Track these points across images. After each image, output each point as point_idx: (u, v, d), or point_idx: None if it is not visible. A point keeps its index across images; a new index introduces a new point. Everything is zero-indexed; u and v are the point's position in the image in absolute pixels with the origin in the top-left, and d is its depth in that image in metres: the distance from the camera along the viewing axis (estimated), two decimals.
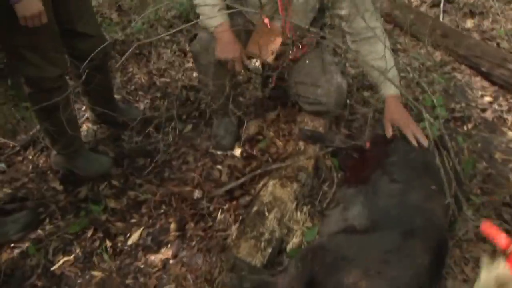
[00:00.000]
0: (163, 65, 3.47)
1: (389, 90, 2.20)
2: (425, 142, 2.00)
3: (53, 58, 2.02)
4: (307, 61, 2.40)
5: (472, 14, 4.01)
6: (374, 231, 1.72)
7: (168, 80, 3.27)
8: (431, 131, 1.96)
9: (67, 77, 2.24)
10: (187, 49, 3.59)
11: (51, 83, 2.05)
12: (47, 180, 2.35)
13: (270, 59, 2.25)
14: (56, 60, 2.04)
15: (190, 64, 3.46)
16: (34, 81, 2.04)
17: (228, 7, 2.11)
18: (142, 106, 2.96)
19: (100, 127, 2.72)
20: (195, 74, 3.31)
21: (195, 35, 2.27)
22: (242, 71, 2.26)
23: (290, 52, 2.34)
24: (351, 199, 1.93)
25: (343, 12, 2.19)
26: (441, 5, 4.02)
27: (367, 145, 2.20)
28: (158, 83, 3.22)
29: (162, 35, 2.94)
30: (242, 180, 2.23)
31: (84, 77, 2.03)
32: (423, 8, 4.20)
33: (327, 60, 2.42)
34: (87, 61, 1.74)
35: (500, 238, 1.14)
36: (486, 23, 3.85)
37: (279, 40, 2.23)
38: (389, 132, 2.13)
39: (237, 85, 2.96)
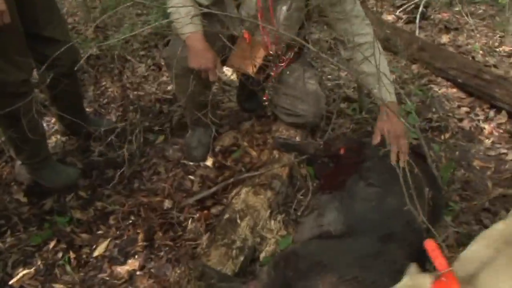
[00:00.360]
0: (137, 79, 3.41)
1: (386, 97, 2.04)
2: (402, 162, 1.81)
3: (18, 62, 1.93)
4: (287, 73, 2.37)
5: (447, 30, 4.04)
6: (350, 236, 1.67)
7: (142, 93, 3.21)
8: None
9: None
10: (162, 62, 3.54)
11: (15, 88, 1.96)
12: (11, 192, 2.25)
13: (253, 73, 2.21)
14: (21, 64, 1.95)
15: (164, 78, 3.41)
16: None
17: (205, 14, 2.06)
18: (114, 118, 2.89)
19: (69, 139, 2.64)
20: (169, 87, 3.26)
21: (168, 42, 2.22)
22: (216, 83, 2.18)
23: (273, 65, 2.30)
24: (326, 205, 1.87)
25: (339, 19, 2.09)
26: (417, 21, 4.04)
27: (342, 151, 2.15)
28: (131, 96, 3.15)
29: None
30: (213, 189, 2.16)
31: (49, 82, 1.98)
32: (398, 25, 4.22)
33: (307, 73, 2.40)
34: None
35: (438, 261, 1.10)
36: (461, 38, 3.87)
37: (261, 54, 2.18)
38: (377, 139, 2.01)
39: (211, 97, 2.90)
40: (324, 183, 2.11)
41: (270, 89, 2.38)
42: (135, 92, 3.21)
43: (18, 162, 2.25)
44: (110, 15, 4.28)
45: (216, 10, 2.14)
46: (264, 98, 2.40)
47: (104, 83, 3.35)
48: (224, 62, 2.21)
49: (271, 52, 2.18)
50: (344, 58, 2.19)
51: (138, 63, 3.64)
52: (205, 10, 1.87)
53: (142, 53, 3.82)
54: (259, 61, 2.16)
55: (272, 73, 2.28)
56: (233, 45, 2.17)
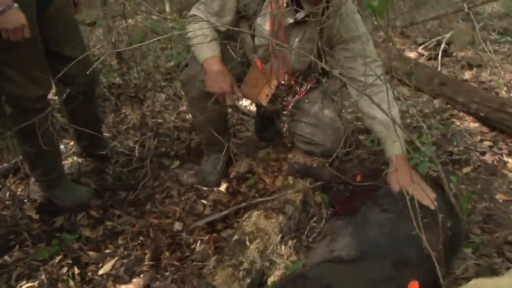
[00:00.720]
0: (157, 108, 3.44)
1: (394, 149, 2.01)
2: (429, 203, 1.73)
3: (36, 77, 1.96)
4: (306, 101, 2.37)
5: (470, 66, 4.02)
6: (363, 260, 1.61)
7: (161, 121, 3.23)
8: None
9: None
10: (180, 89, 3.58)
11: (32, 103, 1.99)
12: (23, 208, 2.25)
13: (264, 102, 2.21)
14: (39, 79, 1.98)
15: (184, 108, 3.44)
16: (15, 100, 1.97)
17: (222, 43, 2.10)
18: (131, 144, 2.89)
19: (85, 160, 2.65)
20: (188, 116, 3.28)
21: (187, 65, 2.24)
22: (235, 112, 2.17)
23: (285, 97, 2.31)
24: (339, 231, 1.82)
25: (347, 56, 2.10)
26: (439, 57, 4.03)
27: (358, 178, 2.10)
28: (150, 124, 3.17)
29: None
30: (225, 212, 2.12)
31: (67, 100, 2.01)
32: (420, 61, 4.21)
33: (326, 103, 2.39)
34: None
35: None
36: (484, 75, 3.84)
37: (274, 84, 2.19)
38: (395, 189, 1.91)
39: (230, 127, 2.91)
40: (339, 209, 2.06)
41: (287, 119, 2.37)
42: (154, 120, 3.23)
43: (32, 179, 2.26)
44: (135, 47, 4.38)
45: (225, 36, 2.20)
46: (284, 129, 2.39)
47: (124, 111, 3.38)
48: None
49: (282, 82, 2.17)
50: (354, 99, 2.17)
51: (159, 93, 3.67)
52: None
53: (163, 84, 3.87)
54: (271, 90, 2.16)
55: (286, 103, 2.28)
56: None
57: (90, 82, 2.31)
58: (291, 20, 2.05)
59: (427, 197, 1.71)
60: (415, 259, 1.58)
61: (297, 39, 2.13)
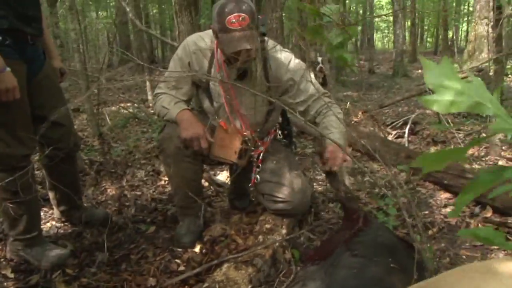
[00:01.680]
0: (136, 183, 3.56)
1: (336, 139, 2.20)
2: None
3: (22, 137, 2.11)
4: (274, 162, 2.52)
5: (435, 143, 4.24)
6: None
7: (139, 193, 3.34)
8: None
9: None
10: (161, 168, 3.72)
11: (16, 161, 2.11)
12: None
13: (234, 159, 2.37)
14: (25, 139, 2.12)
15: (162, 182, 3.56)
16: (0, 158, 2.10)
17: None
18: (109, 212, 2.98)
19: (64, 225, 2.72)
20: (166, 189, 3.40)
21: (164, 127, 2.42)
22: (211, 187, 2.31)
23: (253, 149, 2.47)
24: (311, 276, 1.90)
25: (297, 100, 2.39)
26: (406, 135, 4.27)
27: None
28: (128, 196, 3.28)
29: None
30: (197, 270, 2.19)
31: (49, 163, 2.15)
32: (389, 138, 4.44)
33: (292, 163, 2.56)
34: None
35: None
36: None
37: (238, 139, 2.36)
38: (332, 163, 2.20)
39: (205, 197, 3.03)
40: (314, 254, 2.14)
41: (256, 175, 2.50)
42: (133, 192, 3.34)
43: (10, 239, 2.32)
44: (117, 132, 4.58)
45: (193, 105, 2.44)
46: (250, 184, 2.51)
47: (104, 185, 3.50)
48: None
49: (245, 134, 2.35)
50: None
51: (139, 170, 3.81)
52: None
53: (143, 161, 4.02)
54: (237, 146, 2.34)
55: (255, 154, 2.44)
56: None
57: (73, 145, 2.48)
58: (235, 76, 2.32)
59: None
60: None
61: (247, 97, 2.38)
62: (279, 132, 2.69)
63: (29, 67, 2.15)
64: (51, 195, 2.69)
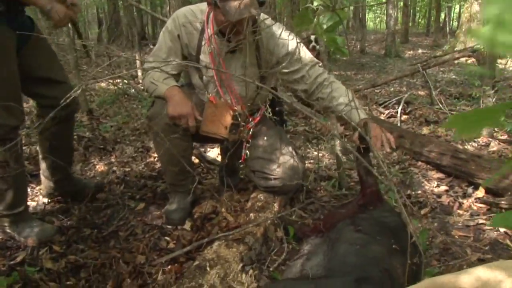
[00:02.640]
0: (125, 159, 3.50)
1: (361, 115, 2.22)
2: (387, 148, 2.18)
3: (11, 108, 2.04)
4: (265, 138, 2.47)
5: (427, 123, 4.22)
6: (327, 278, 1.65)
7: (128, 169, 3.28)
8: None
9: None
10: (150, 145, 3.67)
11: (4, 133, 2.07)
12: None
13: (225, 134, 2.32)
14: (14, 110, 2.07)
15: (152, 159, 3.51)
16: None
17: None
18: (103, 182, 2.93)
19: (50, 201, 2.67)
20: (156, 166, 3.34)
21: (153, 103, 2.36)
22: (201, 163, 2.26)
23: (244, 124, 2.42)
24: (315, 249, 1.88)
25: (291, 69, 2.33)
26: (398, 114, 4.24)
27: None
28: (117, 172, 3.22)
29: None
30: (187, 248, 2.15)
31: (46, 125, 2.29)
32: (381, 118, 4.41)
33: (284, 140, 2.51)
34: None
35: None
36: (441, 130, 4.03)
37: (229, 114, 2.31)
38: (378, 146, 2.18)
39: (195, 174, 2.98)
40: (320, 225, 2.11)
41: (246, 150, 2.46)
42: (122, 169, 3.28)
43: None
44: (106, 108, 4.50)
45: (179, 77, 2.38)
46: (241, 161, 2.47)
47: (92, 161, 3.44)
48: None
49: (236, 109, 2.30)
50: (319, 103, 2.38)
51: (128, 146, 3.75)
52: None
53: (132, 138, 3.96)
54: (228, 121, 2.28)
55: (245, 130, 2.39)
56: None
57: (72, 104, 2.35)
58: (226, 49, 2.25)
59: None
60: (377, 278, 1.63)
61: (238, 64, 2.31)
62: (270, 110, 2.63)
63: (19, 34, 2.09)
64: (43, 165, 2.61)
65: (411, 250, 1.85)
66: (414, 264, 1.83)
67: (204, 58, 2.31)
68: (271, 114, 2.60)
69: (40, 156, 2.61)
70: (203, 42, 2.29)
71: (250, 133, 2.44)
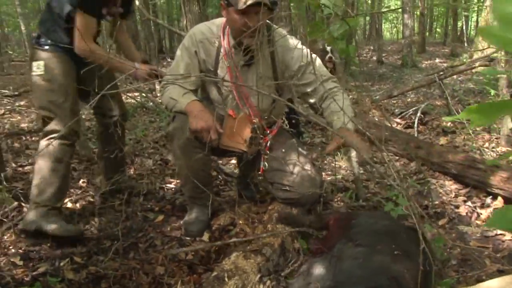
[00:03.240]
0: (144, 172, 3.55)
1: (349, 125, 2.22)
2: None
3: (74, 115, 2.56)
4: (282, 151, 2.50)
5: (445, 133, 4.20)
6: None
7: (147, 181, 3.33)
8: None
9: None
10: (169, 157, 3.72)
11: (68, 135, 2.52)
12: (8, 254, 2.29)
13: (244, 147, 2.35)
14: (75, 117, 2.54)
15: (170, 171, 3.55)
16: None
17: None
18: (117, 201, 2.98)
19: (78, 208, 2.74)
20: (174, 179, 3.39)
21: (173, 118, 2.40)
22: (219, 176, 2.29)
23: (262, 137, 2.45)
24: (316, 266, 1.89)
25: (304, 82, 2.37)
26: (415, 125, 4.23)
27: (331, 221, 2.20)
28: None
29: None
30: (202, 246, 2.19)
31: (102, 131, 2.96)
32: (398, 128, 4.40)
33: (301, 152, 2.53)
34: None
35: None
36: (459, 140, 4.01)
37: (248, 128, 2.34)
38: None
39: (213, 186, 3.01)
40: (316, 249, 2.13)
41: (265, 162, 2.48)
42: (140, 181, 3.33)
43: (31, 211, 2.44)
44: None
45: (197, 93, 2.42)
46: (259, 172, 2.49)
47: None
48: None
49: (254, 121, 2.34)
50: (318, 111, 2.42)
51: (147, 159, 3.80)
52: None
53: (151, 151, 4.01)
54: (247, 134, 2.33)
55: (263, 142, 2.42)
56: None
57: (122, 115, 2.96)
58: (242, 62, 2.30)
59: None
60: (386, 287, 1.64)
61: (254, 76, 2.35)
62: (286, 122, 2.65)
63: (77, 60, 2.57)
64: (100, 164, 3.09)
65: (416, 251, 1.86)
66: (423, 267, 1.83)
67: (222, 72, 2.36)
68: (287, 126, 2.63)
69: (97, 155, 3.08)
70: (220, 57, 2.33)
71: (268, 145, 2.47)
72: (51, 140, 2.48)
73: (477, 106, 0.73)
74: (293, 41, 2.36)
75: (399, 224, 2.20)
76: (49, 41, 2.53)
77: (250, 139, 2.35)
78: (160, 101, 5.95)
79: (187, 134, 2.26)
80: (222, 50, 2.34)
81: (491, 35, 0.67)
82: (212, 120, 2.18)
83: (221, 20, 2.38)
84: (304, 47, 2.36)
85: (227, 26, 2.33)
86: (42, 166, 2.47)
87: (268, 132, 2.48)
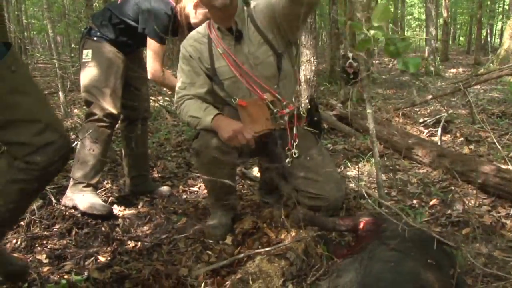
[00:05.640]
0: (167, 174, 3.59)
1: None
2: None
3: (115, 100, 2.84)
4: (308, 158, 2.51)
5: (468, 142, 4.16)
6: None
7: (170, 184, 3.36)
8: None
9: None
10: (191, 160, 3.74)
11: (106, 117, 2.80)
12: (34, 252, 2.33)
13: (270, 125, 2.40)
14: (116, 102, 2.84)
15: (193, 175, 3.57)
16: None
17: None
18: (141, 203, 3.01)
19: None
20: (196, 182, 3.41)
21: (198, 134, 2.42)
22: (241, 180, 2.29)
23: (279, 110, 2.46)
24: (345, 267, 1.88)
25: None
26: (439, 133, 4.20)
27: (361, 225, 2.19)
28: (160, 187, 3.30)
29: None
30: (228, 260, 2.19)
31: (127, 127, 3.14)
32: (421, 137, 4.37)
33: (326, 158, 2.54)
34: None
35: None
36: (483, 149, 3.97)
37: (263, 106, 2.39)
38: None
39: (236, 190, 3.03)
40: (345, 252, 2.13)
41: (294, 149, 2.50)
42: (164, 184, 3.36)
43: (69, 187, 2.80)
44: (148, 124, 4.60)
45: (211, 96, 2.44)
46: (288, 160, 2.49)
47: None
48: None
49: (265, 98, 2.38)
50: None
51: (170, 162, 3.83)
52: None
53: (174, 154, 4.05)
54: (266, 113, 2.38)
55: (284, 115, 2.47)
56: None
57: (147, 110, 3.20)
58: (233, 42, 2.35)
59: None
60: None
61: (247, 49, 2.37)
62: (307, 121, 2.65)
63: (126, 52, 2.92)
64: (124, 162, 3.20)
65: (447, 264, 1.85)
66: (452, 278, 1.82)
67: (218, 64, 2.39)
68: (305, 124, 2.63)
69: (123, 153, 3.20)
70: (213, 50, 2.39)
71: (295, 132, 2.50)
72: (90, 122, 2.78)
73: None
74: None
75: (428, 233, 2.17)
76: (98, 33, 2.81)
77: (271, 116, 2.39)
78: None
79: (214, 153, 2.31)
80: (213, 41, 2.39)
81: None
82: (241, 124, 2.22)
83: (206, 22, 2.48)
84: None
85: (211, 21, 2.41)
86: (81, 146, 2.79)
87: (285, 103, 2.48)
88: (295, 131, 2.51)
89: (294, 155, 2.49)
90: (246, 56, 2.37)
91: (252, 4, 2.40)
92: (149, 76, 2.82)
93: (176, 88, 2.48)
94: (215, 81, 2.43)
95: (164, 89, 5.68)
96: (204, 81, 2.42)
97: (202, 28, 2.47)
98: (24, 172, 1.67)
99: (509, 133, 4.36)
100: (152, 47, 2.76)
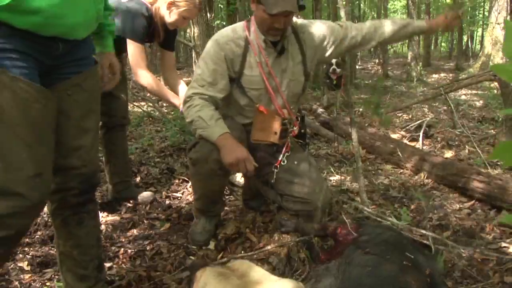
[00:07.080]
0: (150, 180, 3.58)
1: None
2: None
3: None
4: (295, 162, 2.52)
5: (450, 146, 4.22)
6: None
7: (153, 189, 3.35)
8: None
9: None
10: (175, 167, 3.74)
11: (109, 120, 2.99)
12: (16, 259, 2.31)
13: (275, 140, 2.43)
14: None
15: (176, 180, 3.57)
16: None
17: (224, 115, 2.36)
18: (124, 209, 3.00)
19: None
20: (180, 188, 3.42)
21: (195, 144, 2.36)
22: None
23: (290, 126, 2.53)
24: (323, 273, 1.90)
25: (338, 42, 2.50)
26: (420, 138, 4.25)
27: (339, 230, 2.22)
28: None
29: None
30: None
31: (105, 134, 3.08)
32: (403, 141, 4.42)
33: (312, 164, 2.56)
34: None
35: None
36: (464, 153, 4.03)
37: (278, 121, 2.41)
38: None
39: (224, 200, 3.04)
40: (323, 257, 2.15)
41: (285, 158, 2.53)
42: (148, 190, 3.35)
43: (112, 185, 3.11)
44: (131, 130, 4.60)
45: (227, 102, 2.43)
46: (275, 164, 2.51)
47: None
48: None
49: (285, 115, 2.45)
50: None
51: (153, 168, 3.82)
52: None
53: (157, 160, 4.04)
54: (277, 127, 2.41)
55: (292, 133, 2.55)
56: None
57: (125, 116, 3.14)
58: (274, 55, 2.37)
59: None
60: None
61: (288, 65, 2.43)
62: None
63: None
64: (106, 169, 3.15)
65: (424, 264, 1.88)
66: (429, 277, 1.85)
67: (248, 72, 2.37)
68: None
69: (104, 160, 3.15)
70: (248, 56, 2.36)
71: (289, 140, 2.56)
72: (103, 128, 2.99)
73: (507, 143, 0.73)
74: (308, 22, 2.51)
75: (405, 235, 2.21)
76: None
77: (280, 132, 2.42)
78: (165, 111, 5.99)
79: (212, 166, 2.27)
80: (250, 47, 2.35)
81: (504, 71, 0.74)
82: (246, 153, 2.19)
83: (242, 24, 2.41)
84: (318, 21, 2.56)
85: (253, 25, 2.36)
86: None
87: (293, 125, 2.55)
88: (289, 142, 2.55)
89: (282, 163, 2.51)
90: (282, 71, 2.41)
91: (297, 21, 2.47)
92: (141, 82, 2.82)
93: (192, 81, 2.38)
94: (238, 86, 2.41)
95: (148, 94, 5.70)
96: (225, 86, 2.36)
97: (239, 29, 2.39)
98: None
99: (488, 137, 4.43)
100: (133, 49, 2.72)
